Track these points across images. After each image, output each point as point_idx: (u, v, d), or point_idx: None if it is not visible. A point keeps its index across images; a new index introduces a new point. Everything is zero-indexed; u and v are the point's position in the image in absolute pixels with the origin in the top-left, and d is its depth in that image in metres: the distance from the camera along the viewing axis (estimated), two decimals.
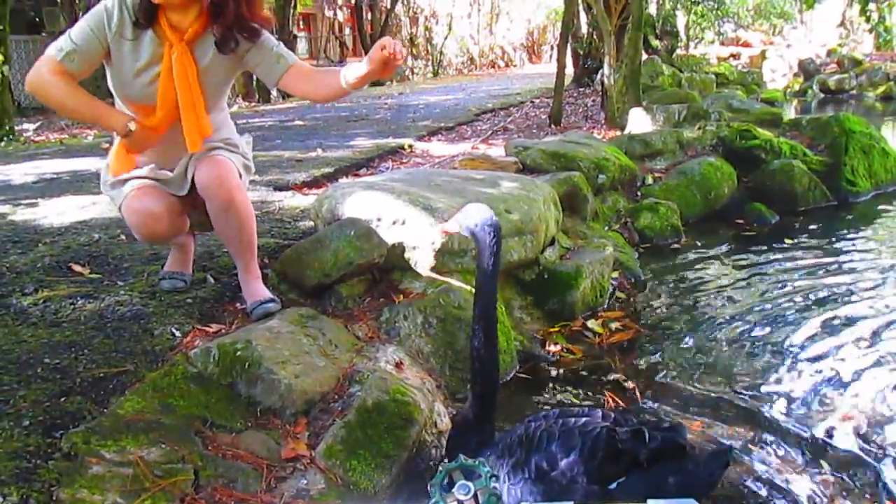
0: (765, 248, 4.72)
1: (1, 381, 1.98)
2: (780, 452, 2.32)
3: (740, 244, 4.89)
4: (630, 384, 2.81)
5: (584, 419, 1.92)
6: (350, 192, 3.26)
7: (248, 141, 2.66)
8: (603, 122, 8.29)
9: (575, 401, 2.71)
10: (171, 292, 2.63)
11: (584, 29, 13.71)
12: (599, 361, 3.03)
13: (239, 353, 2.20)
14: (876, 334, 3.21)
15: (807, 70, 18.87)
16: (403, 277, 3.04)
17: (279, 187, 4.57)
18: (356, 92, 2.71)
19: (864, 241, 4.83)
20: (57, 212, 3.94)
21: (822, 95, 16.93)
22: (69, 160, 6.07)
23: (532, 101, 11.51)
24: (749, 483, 2.16)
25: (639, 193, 5.38)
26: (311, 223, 3.51)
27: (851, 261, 4.39)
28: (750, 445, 2.35)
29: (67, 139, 8.22)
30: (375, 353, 2.54)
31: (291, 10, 17.02)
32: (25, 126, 9.71)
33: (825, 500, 2.09)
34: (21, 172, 5.44)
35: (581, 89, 13.30)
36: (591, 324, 3.38)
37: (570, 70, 12.09)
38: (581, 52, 13.88)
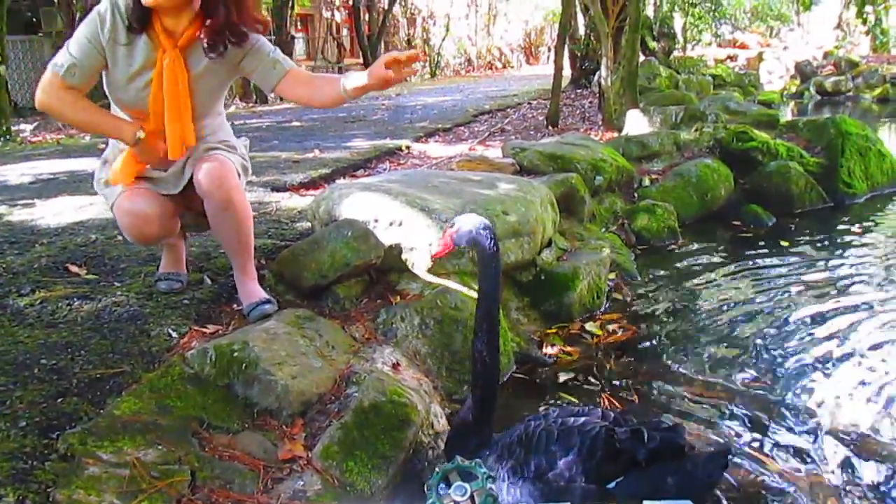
0: (761, 249, 4.73)
1: None
2: (779, 453, 2.32)
3: (737, 246, 4.90)
4: (627, 385, 2.82)
5: (583, 419, 1.93)
6: (347, 193, 3.26)
7: (245, 143, 2.66)
8: (600, 123, 8.30)
9: (572, 401, 2.71)
10: (168, 293, 2.63)
11: (582, 31, 13.74)
12: (596, 363, 3.03)
13: (236, 354, 2.20)
14: (874, 335, 3.22)
15: (803, 72, 18.92)
16: (400, 279, 3.05)
17: (276, 188, 4.57)
18: None
19: (861, 242, 4.84)
20: (54, 212, 3.93)
21: (818, 97, 16.96)
22: (66, 160, 6.07)
23: (529, 103, 11.53)
24: (748, 484, 2.16)
25: (636, 195, 5.39)
26: (309, 224, 3.51)
27: (848, 262, 4.40)
28: (748, 446, 2.36)
29: (64, 139, 8.21)
30: (372, 355, 2.54)
31: (289, 11, 17.03)
32: (22, 126, 9.69)
33: (824, 500, 2.09)
34: (18, 173, 5.42)
35: (578, 91, 13.32)
36: (588, 325, 3.38)
37: (567, 72, 12.10)
38: (578, 54, 13.90)
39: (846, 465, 2.26)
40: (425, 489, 1.86)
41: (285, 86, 2.37)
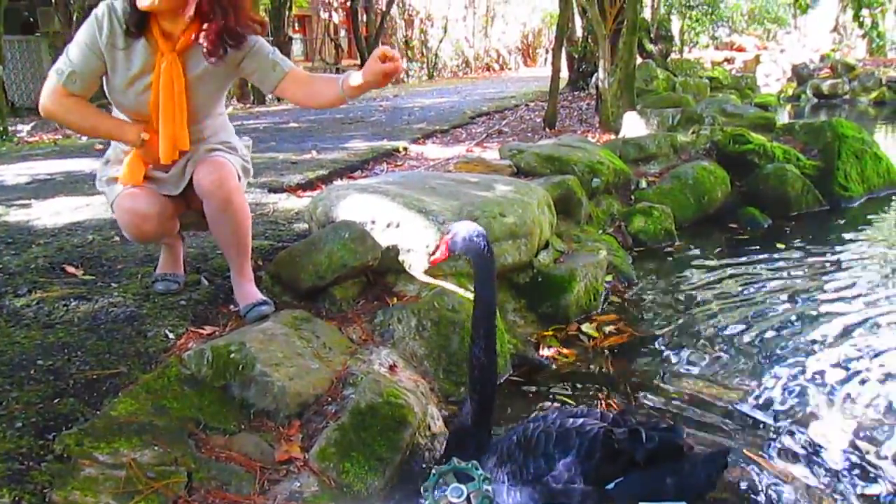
0: (758, 252, 4.74)
1: None
2: (777, 455, 2.33)
3: (733, 248, 4.91)
4: (624, 387, 2.82)
5: (581, 420, 1.94)
6: (345, 194, 3.27)
7: (247, 144, 2.66)
8: (597, 125, 8.31)
9: (569, 403, 2.71)
10: (165, 294, 2.63)
11: (580, 33, 13.76)
12: (593, 365, 3.04)
13: (232, 355, 2.20)
14: (870, 337, 3.23)
15: (800, 75, 18.96)
16: (397, 280, 3.05)
17: (274, 189, 4.57)
18: None
19: (857, 245, 4.85)
20: (50, 213, 3.93)
21: (815, 100, 17.01)
22: (63, 161, 6.06)
23: (527, 105, 11.54)
24: (746, 485, 2.16)
25: (633, 197, 5.40)
26: (306, 225, 3.51)
27: (844, 265, 4.41)
28: (746, 448, 2.36)
29: (61, 140, 8.19)
30: (369, 356, 2.54)
31: (287, 12, 17.03)
32: (19, 127, 9.67)
33: (821, 501, 2.10)
34: (14, 173, 5.42)
35: (576, 93, 13.33)
36: (584, 327, 3.38)
37: (564, 74, 12.11)
38: (576, 56, 13.92)
39: (844, 466, 2.27)
40: (422, 491, 1.87)
41: (285, 87, 2.37)
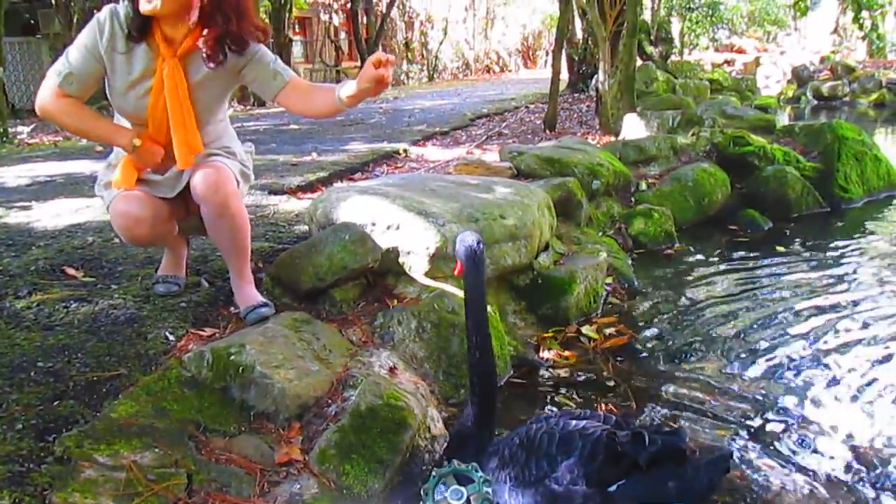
0: (758, 254, 4.73)
1: None
2: (778, 458, 2.32)
3: (734, 250, 4.91)
4: (624, 389, 2.82)
5: (584, 422, 1.94)
6: (345, 196, 3.27)
7: (248, 149, 2.65)
8: (597, 127, 8.31)
9: (569, 405, 2.71)
10: (165, 296, 2.63)
11: (580, 35, 13.78)
12: (593, 367, 3.04)
13: (233, 357, 2.20)
14: (870, 340, 3.23)
15: (800, 77, 18.97)
16: (398, 282, 3.05)
17: (274, 191, 4.58)
18: None
19: (857, 247, 4.85)
20: (51, 215, 3.93)
21: (815, 102, 17.00)
22: (63, 163, 6.07)
23: (527, 107, 11.55)
24: (747, 488, 2.16)
25: (633, 199, 5.39)
26: (306, 227, 3.51)
27: (844, 267, 4.41)
28: (747, 450, 2.36)
29: (62, 142, 8.20)
30: (369, 358, 2.54)
31: (287, 14, 17.03)
32: (20, 128, 9.68)
33: None
34: (14, 175, 5.42)
35: (576, 95, 13.35)
36: (584, 329, 3.38)
37: (564, 76, 12.13)
38: (576, 58, 13.94)
39: (846, 468, 2.27)
40: (422, 493, 1.87)
41: (285, 96, 2.37)
